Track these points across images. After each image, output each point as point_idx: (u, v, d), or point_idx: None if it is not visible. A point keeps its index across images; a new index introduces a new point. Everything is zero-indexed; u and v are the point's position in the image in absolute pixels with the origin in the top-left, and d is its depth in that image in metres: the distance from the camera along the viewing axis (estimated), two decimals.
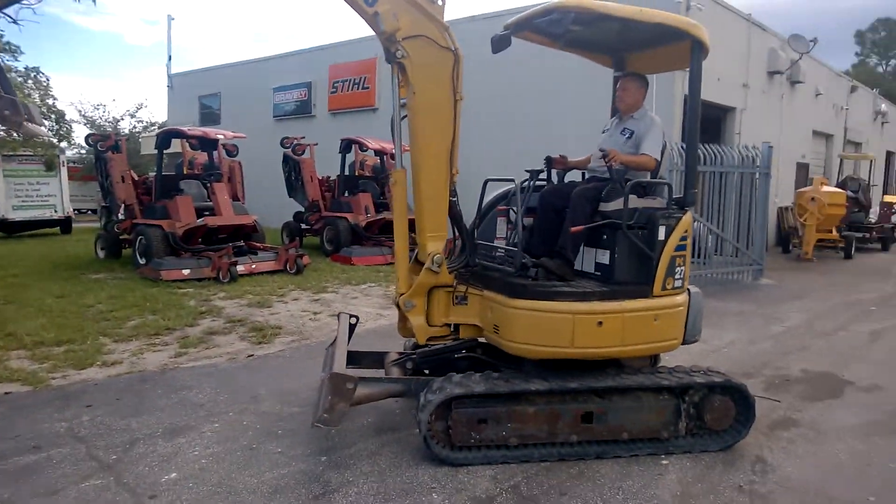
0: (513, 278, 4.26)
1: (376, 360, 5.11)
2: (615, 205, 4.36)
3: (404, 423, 4.70)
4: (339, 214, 13.72)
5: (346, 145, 14.56)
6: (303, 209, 15.13)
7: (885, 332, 7.81)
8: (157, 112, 44.33)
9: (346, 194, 14.44)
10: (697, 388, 4.28)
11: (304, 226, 14.99)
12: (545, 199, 4.69)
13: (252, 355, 6.44)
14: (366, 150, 15.34)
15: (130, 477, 3.87)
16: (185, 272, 10.37)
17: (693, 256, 10.82)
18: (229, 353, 6.51)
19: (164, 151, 12.49)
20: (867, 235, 16.75)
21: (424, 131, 4.31)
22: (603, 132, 5.02)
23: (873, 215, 17.92)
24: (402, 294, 4.47)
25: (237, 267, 10.55)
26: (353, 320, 5.54)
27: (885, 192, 24.40)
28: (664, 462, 4.13)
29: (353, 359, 4.92)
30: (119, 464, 4.05)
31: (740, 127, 14.96)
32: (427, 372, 4.81)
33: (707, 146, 10.67)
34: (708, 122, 15.29)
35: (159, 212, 11.40)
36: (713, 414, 4.27)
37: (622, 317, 4.16)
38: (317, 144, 15.18)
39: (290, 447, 4.30)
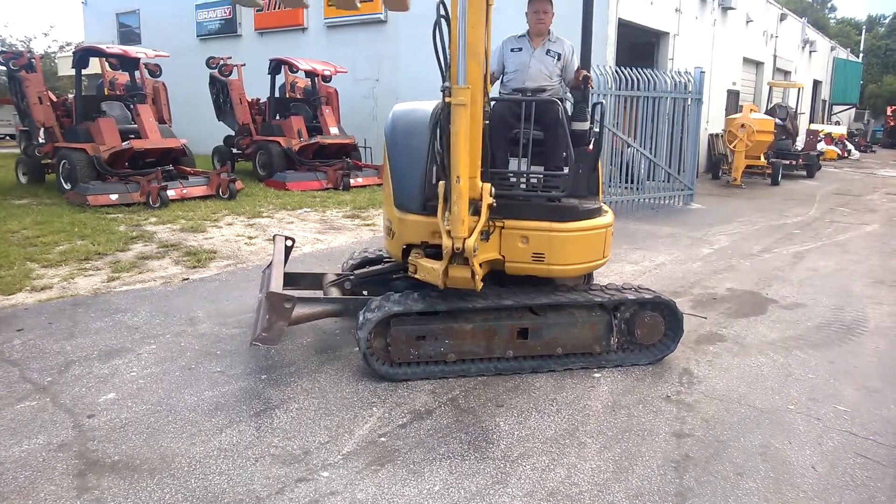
0: (556, 203, 4.33)
1: (314, 281, 5.11)
2: (580, 125, 4.61)
3: (343, 343, 4.75)
4: (271, 138, 13.30)
5: (276, 66, 13.96)
6: (233, 133, 14.60)
7: (807, 253, 8.27)
8: (73, 32, 41.10)
9: (278, 117, 13.97)
10: (628, 304, 4.46)
11: (235, 150, 14.50)
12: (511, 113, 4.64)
13: (187, 279, 6.31)
14: (296, 72, 14.75)
15: (67, 398, 3.80)
16: (113, 197, 9.95)
17: (626, 182, 11.07)
18: (163, 277, 6.36)
19: (83, 72, 11.72)
20: (793, 163, 17.42)
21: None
22: (511, 51, 4.96)
23: (800, 143, 18.62)
24: (466, 237, 3.78)
25: (168, 192, 10.18)
26: (290, 242, 5.49)
27: (811, 121, 25.33)
28: (596, 375, 4.33)
29: (291, 280, 4.90)
30: (54, 385, 3.96)
31: (673, 52, 15.09)
32: (365, 293, 4.84)
33: (640, 70, 10.75)
34: (641, 47, 15.37)
35: (82, 134, 10.78)
36: (643, 329, 4.47)
37: (609, 229, 4.49)
38: (244, 65, 14.51)
39: (229, 367, 4.29)
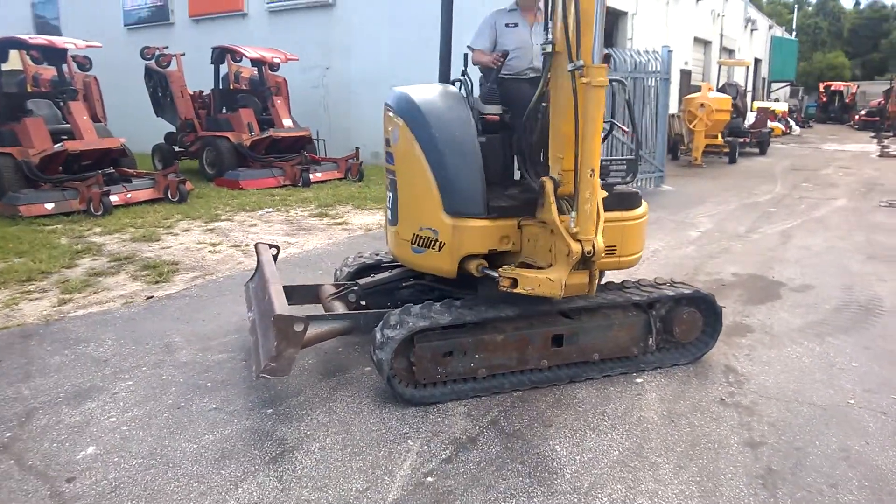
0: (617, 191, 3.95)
1: (308, 294, 4.55)
2: None
3: (351, 363, 4.23)
4: (219, 134, 12.43)
5: (219, 55, 13.06)
6: (174, 129, 13.65)
7: (791, 231, 8.16)
8: None
9: (225, 111, 13.08)
10: (665, 301, 4.10)
11: (177, 148, 13.56)
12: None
13: (152, 297, 5.62)
14: (239, 60, 13.85)
15: (36, 457, 3.16)
16: (49, 206, 8.99)
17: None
18: (123, 296, 5.65)
19: (2, 67, 10.58)
20: (746, 140, 17.63)
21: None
22: (507, 26, 4.47)
23: (749, 120, 18.88)
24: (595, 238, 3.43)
25: (110, 197, 9.28)
26: (274, 251, 4.92)
27: (753, 98, 25.84)
28: (638, 381, 3.96)
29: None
30: (17, 442, 3.30)
31: (632, 32, 14.95)
32: (363, 303, 4.33)
33: (614, 50, 10.48)
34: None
35: (6, 137, 9.72)
36: (682, 326, 4.13)
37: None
38: (184, 55, 13.56)
39: (225, 402, 3.72)
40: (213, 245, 7.46)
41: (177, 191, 10.01)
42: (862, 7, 60.07)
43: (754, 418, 3.50)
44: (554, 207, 3.41)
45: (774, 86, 34.30)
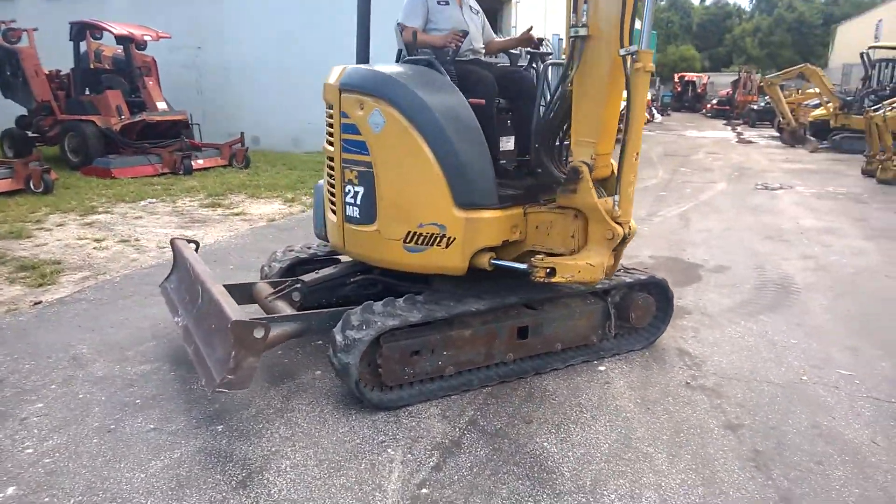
0: None
1: (242, 294, 4.08)
2: None
3: (298, 367, 3.86)
4: (83, 117, 11.16)
5: (79, 30, 11.70)
6: (27, 112, 12.12)
7: (688, 214, 8.57)
8: None
9: (88, 92, 11.77)
10: (621, 287, 4.08)
11: (32, 133, 12.04)
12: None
13: (39, 302, 4.86)
14: (99, 38, 12.49)
15: None
16: None
17: None
18: (3, 302, 4.85)
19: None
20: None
21: None
22: (438, 3, 4.25)
23: None
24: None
25: None
26: (193, 246, 4.39)
27: None
28: (601, 369, 3.90)
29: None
30: None
31: (516, 20, 15.12)
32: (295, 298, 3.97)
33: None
34: (486, 14, 15.18)
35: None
36: (637, 312, 4.12)
37: None
38: (36, 30, 12.03)
39: (163, 420, 3.24)
40: (98, 241, 6.63)
41: (41, 181, 8.85)
42: (708, 4, 65.29)
43: (723, 400, 3.54)
44: (593, 192, 3.31)
45: None
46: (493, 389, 3.61)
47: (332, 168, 3.59)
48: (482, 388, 3.60)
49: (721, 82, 41.14)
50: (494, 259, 3.52)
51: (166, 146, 11.13)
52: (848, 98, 18.14)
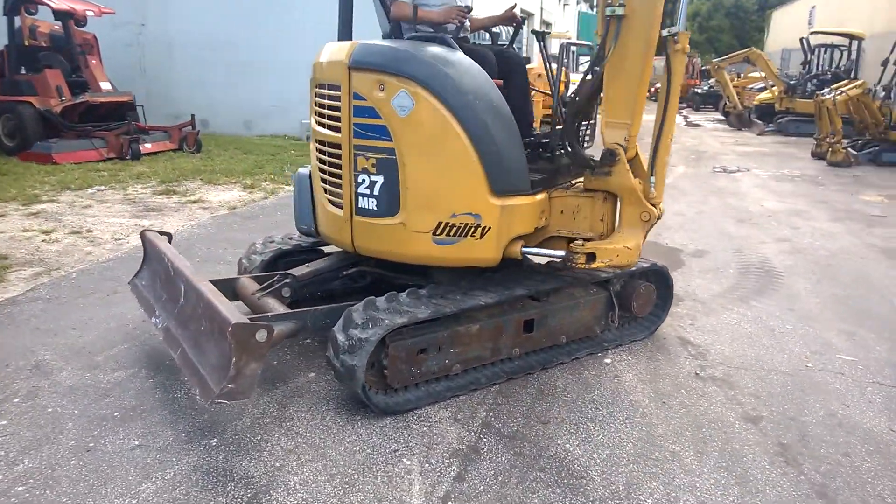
0: None
1: (224, 290, 3.73)
2: None
3: (288, 370, 3.59)
4: (18, 98, 10.34)
5: (13, 4, 10.85)
6: None
7: None
8: None
9: (24, 71, 10.94)
10: (621, 275, 3.95)
11: None
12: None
13: None
14: (34, 13, 11.63)
15: None
16: None
17: None
18: None
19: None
20: None
21: None
22: None
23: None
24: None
25: None
26: (166, 238, 4.05)
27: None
28: (607, 361, 3.78)
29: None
30: None
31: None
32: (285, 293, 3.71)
33: None
34: None
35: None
36: (639, 300, 4.00)
37: None
38: None
39: (148, 435, 2.93)
40: (47, 233, 6.13)
41: None
42: None
43: (736, 391, 3.46)
44: (630, 173, 3.31)
45: (582, 59, 36.59)
46: (502, 387, 3.43)
47: (334, 156, 3.27)
48: (490, 386, 3.43)
49: (661, 66, 41.77)
50: (525, 247, 3.37)
51: (112, 129, 10.47)
52: (791, 82, 18.62)
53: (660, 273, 4.08)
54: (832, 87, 11.31)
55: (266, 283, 3.63)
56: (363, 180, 3.17)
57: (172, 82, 13.88)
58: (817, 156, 12.15)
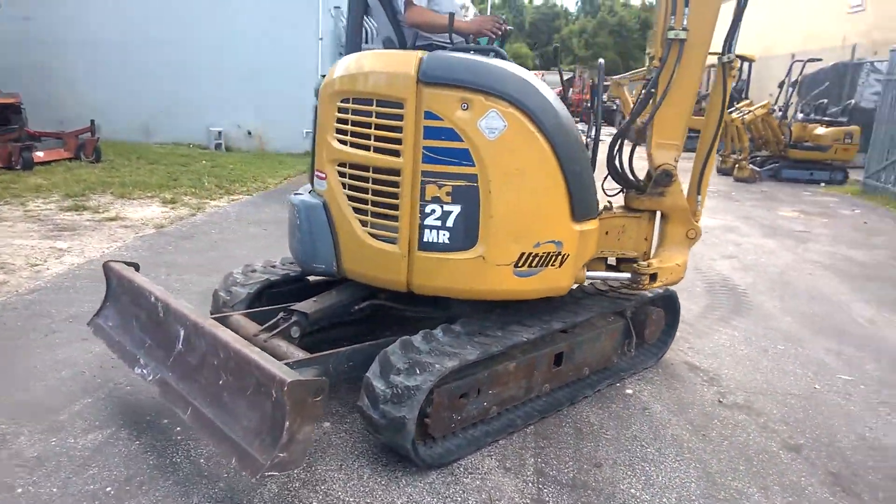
0: None
1: None
2: None
3: None
4: None
5: None
6: None
7: None
8: None
9: None
10: (641, 302, 3.85)
11: None
12: None
13: None
14: None
15: None
16: None
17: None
18: None
19: None
20: None
21: None
22: None
23: None
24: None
25: None
26: (132, 269, 3.50)
27: None
28: (629, 392, 3.65)
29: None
30: None
31: None
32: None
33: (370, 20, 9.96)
34: None
35: None
36: (651, 327, 3.92)
37: None
38: None
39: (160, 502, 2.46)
40: None
41: None
42: (538, 4, 68.53)
43: (765, 419, 3.43)
44: (683, 194, 3.49)
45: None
46: (537, 428, 3.20)
47: (383, 183, 2.86)
48: (526, 427, 3.18)
49: (551, 80, 43.37)
50: (590, 272, 3.35)
51: None
52: None
53: (669, 298, 4.02)
54: (737, 106, 11.99)
55: (271, 323, 3.18)
56: (432, 211, 2.78)
57: (60, 83, 12.53)
58: (723, 172, 12.86)
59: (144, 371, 2.92)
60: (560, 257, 3.00)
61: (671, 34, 3.20)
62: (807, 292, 5.66)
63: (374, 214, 2.88)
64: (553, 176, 2.88)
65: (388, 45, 3.61)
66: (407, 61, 2.75)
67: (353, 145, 2.88)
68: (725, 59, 3.40)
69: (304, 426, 2.28)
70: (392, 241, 2.87)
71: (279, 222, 6.95)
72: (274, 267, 3.88)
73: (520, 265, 2.91)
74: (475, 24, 3.31)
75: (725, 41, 3.44)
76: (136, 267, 3.51)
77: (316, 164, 3.09)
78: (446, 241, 2.84)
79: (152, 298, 3.03)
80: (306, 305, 3.26)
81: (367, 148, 2.83)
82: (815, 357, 4.26)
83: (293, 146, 12.88)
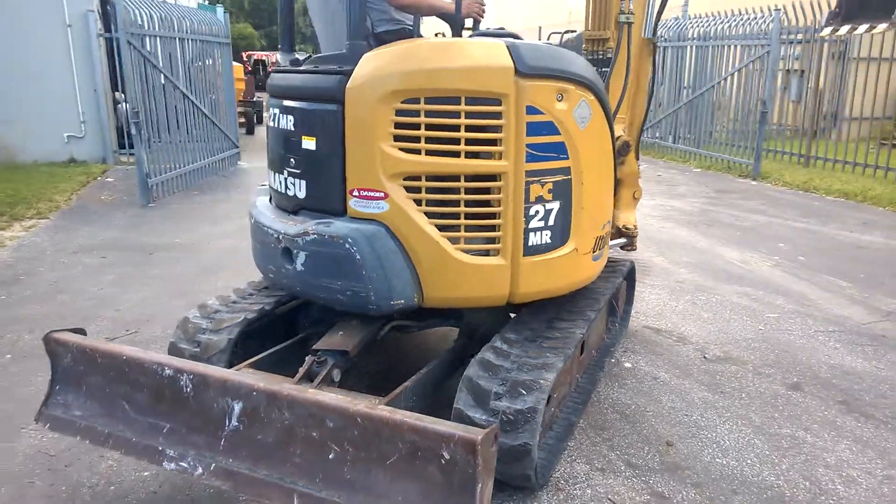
0: None
1: None
2: None
3: None
4: None
5: None
6: None
7: None
8: None
9: None
10: (621, 275, 3.93)
11: None
12: None
13: None
14: None
15: None
16: None
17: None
18: None
19: None
20: None
21: None
22: None
23: None
24: None
25: None
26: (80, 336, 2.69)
27: None
28: (628, 366, 3.74)
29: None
30: None
31: None
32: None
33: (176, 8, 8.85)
34: None
35: None
36: (621, 299, 4.05)
37: None
38: None
39: None
40: None
41: None
42: None
43: (750, 365, 3.73)
44: (636, 161, 3.95)
45: None
46: (588, 421, 3.12)
47: (476, 192, 2.41)
48: (579, 422, 3.09)
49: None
50: None
51: None
52: None
53: (631, 270, 4.16)
54: None
55: (304, 371, 2.62)
56: (537, 212, 2.50)
57: None
58: None
59: (183, 464, 2.23)
60: (609, 235, 3.22)
61: (622, 18, 3.55)
62: (674, 243, 6.26)
63: (469, 228, 2.49)
64: (610, 160, 2.98)
65: (353, 38, 3.13)
66: (498, 52, 2.40)
67: (431, 153, 2.39)
68: (649, 36, 3.77)
69: (488, 482, 1.94)
70: (491, 254, 2.54)
71: (115, 248, 5.87)
72: (236, 302, 3.23)
73: (595, 250, 2.95)
74: (464, 6, 2.99)
75: (656, 20, 3.77)
76: (83, 332, 2.67)
77: (355, 182, 2.54)
78: (548, 241, 2.65)
79: (164, 371, 2.32)
80: (337, 342, 2.76)
81: (454, 154, 2.40)
82: (736, 302, 4.73)
83: (53, 154, 10.75)
